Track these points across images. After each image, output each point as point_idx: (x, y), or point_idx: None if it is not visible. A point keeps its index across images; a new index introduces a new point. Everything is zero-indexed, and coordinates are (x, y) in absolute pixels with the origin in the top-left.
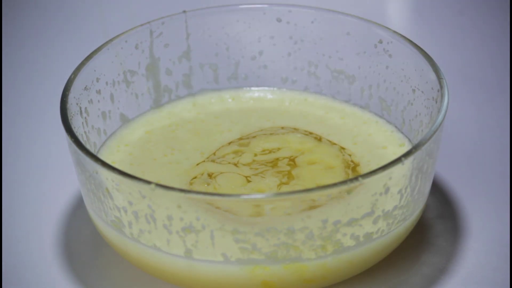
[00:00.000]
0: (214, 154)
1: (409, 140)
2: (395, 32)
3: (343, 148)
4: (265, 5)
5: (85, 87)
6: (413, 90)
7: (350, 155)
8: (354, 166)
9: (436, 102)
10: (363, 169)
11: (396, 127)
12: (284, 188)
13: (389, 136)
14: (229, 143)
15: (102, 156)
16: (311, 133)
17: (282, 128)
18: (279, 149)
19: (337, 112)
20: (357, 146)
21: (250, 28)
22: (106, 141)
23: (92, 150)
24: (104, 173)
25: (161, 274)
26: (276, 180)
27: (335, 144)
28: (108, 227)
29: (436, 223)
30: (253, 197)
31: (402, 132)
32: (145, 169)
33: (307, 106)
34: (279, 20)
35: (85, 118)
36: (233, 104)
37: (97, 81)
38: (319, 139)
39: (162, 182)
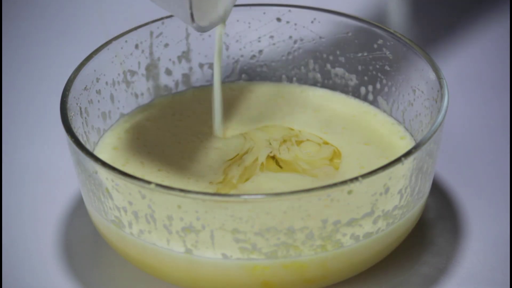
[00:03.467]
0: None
1: (411, 135)
2: (395, 32)
3: (326, 143)
4: (265, 5)
5: (85, 87)
6: (413, 90)
7: (335, 150)
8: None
9: (436, 102)
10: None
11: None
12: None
13: (390, 128)
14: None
15: (102, 149)
16: (292, 129)
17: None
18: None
19: (336, 103)
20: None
21: (250, 28)
22: (105, 132)
23: (92, 150)
24: (104, 173)
25: (161, 274)
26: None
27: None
28: (108, 227)
29: (436, 223)
30: (253, 197)
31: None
32: (152, 150)
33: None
34: (279, 20)
35: (85, 118)
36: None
37: (97, 81)
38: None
39: (171, 164)
